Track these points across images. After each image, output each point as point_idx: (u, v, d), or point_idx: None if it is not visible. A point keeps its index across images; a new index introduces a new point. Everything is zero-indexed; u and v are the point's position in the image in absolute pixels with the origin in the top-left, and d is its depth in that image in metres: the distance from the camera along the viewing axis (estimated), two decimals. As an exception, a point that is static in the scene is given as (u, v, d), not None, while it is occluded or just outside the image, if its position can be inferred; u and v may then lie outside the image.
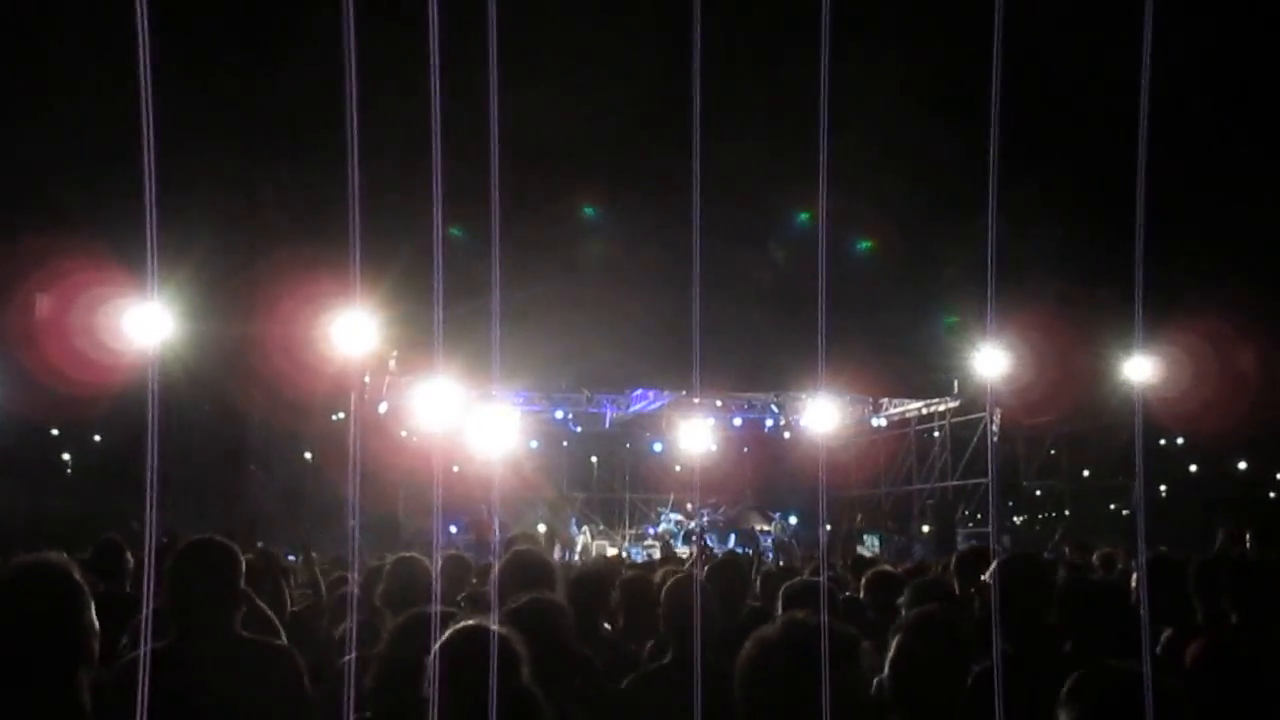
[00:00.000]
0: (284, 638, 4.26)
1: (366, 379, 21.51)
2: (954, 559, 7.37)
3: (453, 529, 22.60)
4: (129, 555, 5.97)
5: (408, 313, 16.87)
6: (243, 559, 3.72)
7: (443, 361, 17.44)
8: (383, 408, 22.74)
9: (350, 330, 16.68)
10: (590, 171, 19.73)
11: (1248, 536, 7.40)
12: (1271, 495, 50.08)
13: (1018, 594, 3.92)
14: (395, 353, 21.65)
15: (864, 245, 20.96)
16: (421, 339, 18.92)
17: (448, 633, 2.85)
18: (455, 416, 22.26)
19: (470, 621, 2.95)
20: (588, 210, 21.50)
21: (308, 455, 23.46)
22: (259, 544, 7.69)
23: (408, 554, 5.20)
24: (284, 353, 17.17)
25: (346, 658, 3.94)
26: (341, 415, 21.31)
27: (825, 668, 2.39)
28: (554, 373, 22.98)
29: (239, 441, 22.65)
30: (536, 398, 25.65)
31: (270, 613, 4.60)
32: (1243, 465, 51.17)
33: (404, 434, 23.35)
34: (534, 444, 27.52)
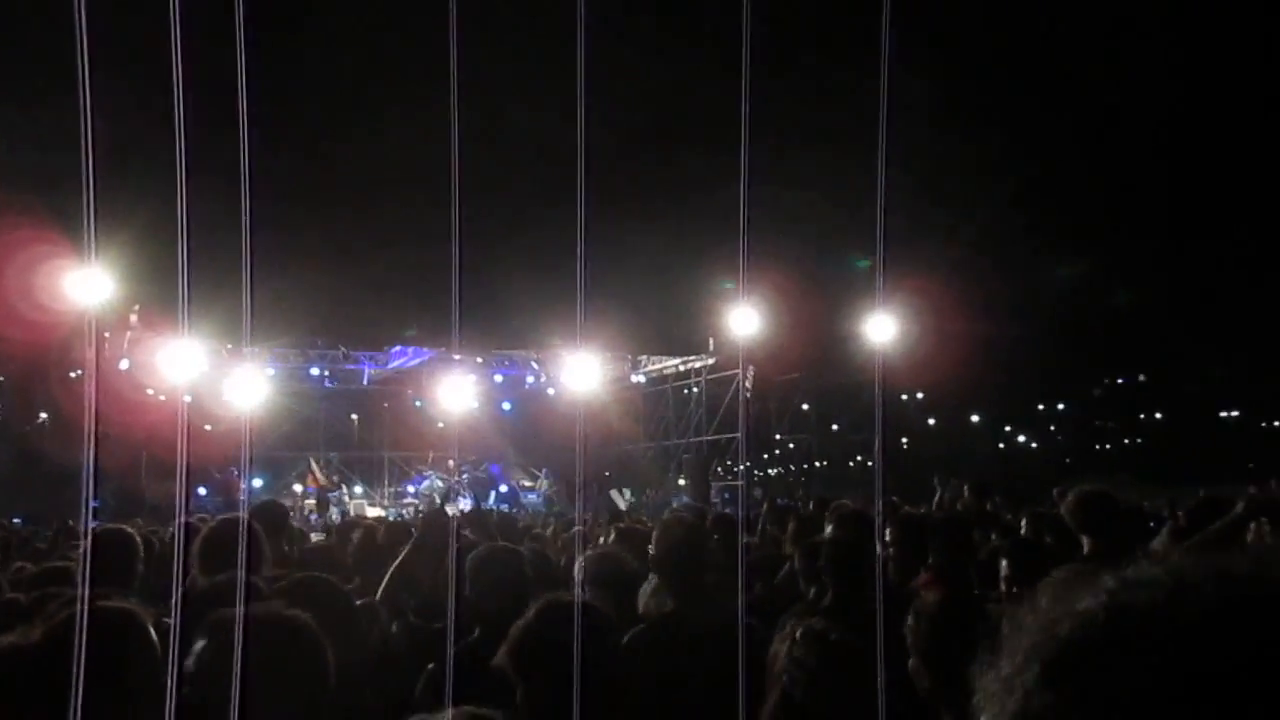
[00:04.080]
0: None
1: (107, 335, 20.32)
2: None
3: (201, 491, 21.73)
4: None
5: (150, 265, 16.03)
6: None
7: (189, 317, 16.63)
8: (124, 365, 21.54)
9: (83, 282, 15.64)
10: (350, 120, 19.21)
11: (965, 490, 8.02)
12: (1000, 446, 53.95)
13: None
14: (137, 307, 20.52)
15: (624, 204, 21.22)
16: (166, 293, 18.02)
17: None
18: (204, 374, 21.34)
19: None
20: (347, 161, 20.90)
21: (43, 416, 22.06)
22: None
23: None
24: (10, 305, 16.03)
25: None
26: (80, 373, 20.09)
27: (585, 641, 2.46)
28: (310, 329, 22.35)
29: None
30: (292, 354, 24.83)
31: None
32: (975, 419, 54.88)
33: (149, 392, 22.20)
34: (289, 402, 26.72)
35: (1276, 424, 55.31)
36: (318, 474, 25.88)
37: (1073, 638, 0.57)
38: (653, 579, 5.02)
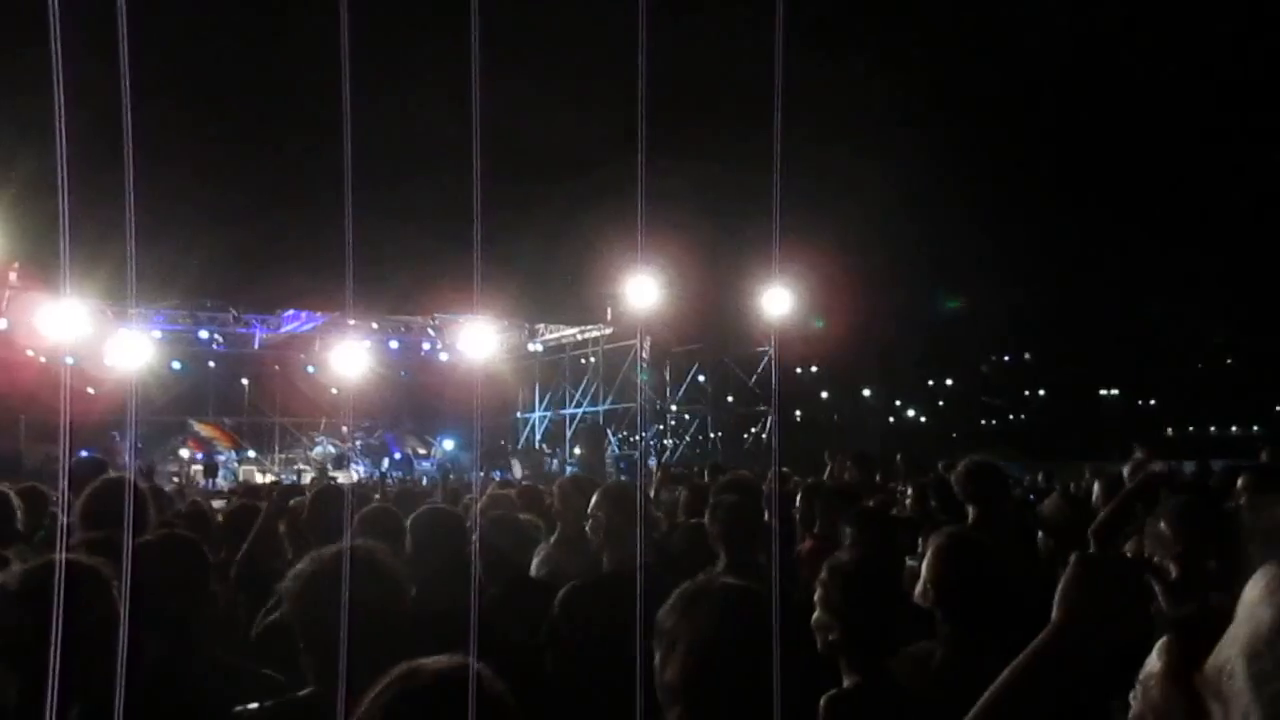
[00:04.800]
0: None
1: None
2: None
3: (83, 454, 21.12)
4: None
5: (32, 220, 15.48)
6: None
7: (72, 275, 16.08)
8: (1, 324, 20.79)
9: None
10: (245, 74, 18.73)
11: (848, 464, 8.22)
12: (891, 420, 55.04)
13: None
14: (17, 264, 19.80)
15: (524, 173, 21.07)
16: (48, 250, 17.40)
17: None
18: (87, 335, 20.71)
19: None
20: (241, 117, 20.37)
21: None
22: None
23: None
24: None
25: None
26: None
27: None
28: (199, 290, 21.82)
29: None
30: (180, 317, 24.21)
31: None
32: (867, 392, 55.88)
33: (29, 354, 21.49)
34: (177, 365, 26.11)
35: (1152, 403, 57.45)
36: (207, 436, 25.37)
37: None
38: (547, 542, 5.09)
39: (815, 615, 3.00)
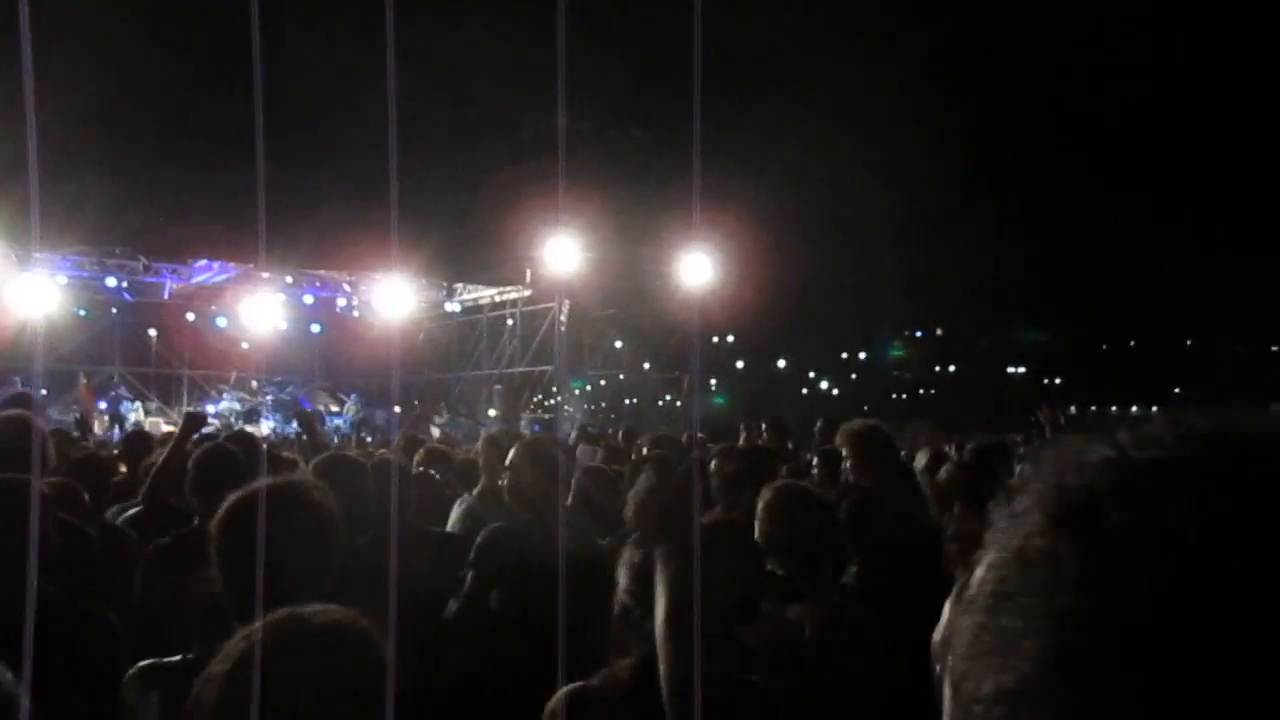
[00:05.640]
0: None
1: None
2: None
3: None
4: None
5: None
6: None
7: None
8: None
9: None
10: (161, 19, 18.22)
11: (763, 429, 8.31)
12: (804, 391, 55.70)
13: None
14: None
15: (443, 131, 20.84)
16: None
17: None
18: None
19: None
20: (159, 61, 19.77)
21: None
22: None
23: None
24: None
25: None
26: None
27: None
28: (106, 236, 21.25)
29: None
30: (86, 263, 23.55)
31: None
32: (782, 364, 56.51)
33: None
34: (81, 313, 25.45)
35: (1058, 380, 58.89)
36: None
37: (1079, 485, 0.58)
38: (464, 500, 5.13)
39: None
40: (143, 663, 2.59)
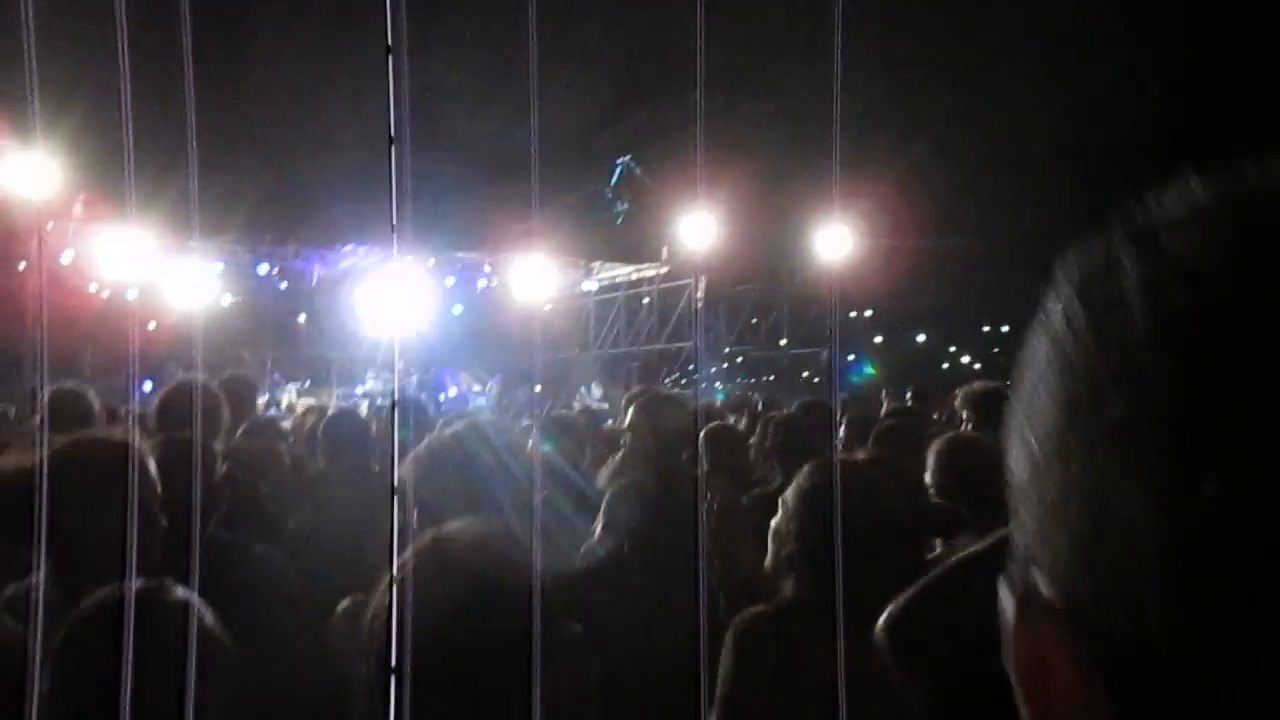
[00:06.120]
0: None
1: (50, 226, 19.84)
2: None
3: (147, 387, 21.45)
4: None
5: (96, 153, 15.62)
6: None
7: (136, 208, 16.25)
8: (68, 256, 21.06)
9: (27, 171, 15.23)
10: (297, 11, 18.70)
11: (908, 397, 8.20)
12: (945, 366, 54.63)
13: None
14: (82, 197, 20.01)
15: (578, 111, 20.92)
16: (112, 182, 17.56)
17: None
18: (150, 268, 20.93)
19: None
20: (295, 55, 20.32)
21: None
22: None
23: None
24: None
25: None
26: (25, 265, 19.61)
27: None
28: (258, 224, 21.99)
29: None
30: (239, 251, 24.43)
31: None
32: (921, 338, 55.49)
33: (93, 288, 21.77)
34: (236, 299, 26.39)
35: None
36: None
37: None
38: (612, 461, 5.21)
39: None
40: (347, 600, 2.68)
